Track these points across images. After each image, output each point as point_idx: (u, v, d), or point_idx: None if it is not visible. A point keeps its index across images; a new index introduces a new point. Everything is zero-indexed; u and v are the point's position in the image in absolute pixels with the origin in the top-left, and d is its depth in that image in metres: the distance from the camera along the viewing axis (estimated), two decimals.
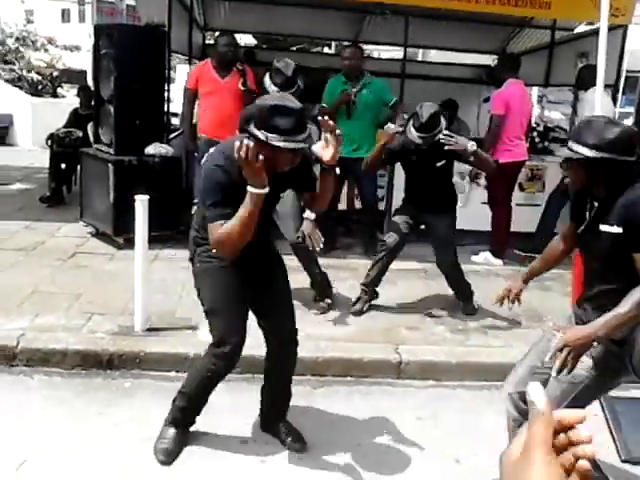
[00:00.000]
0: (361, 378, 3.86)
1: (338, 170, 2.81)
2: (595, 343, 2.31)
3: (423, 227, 4.69)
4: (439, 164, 4.48)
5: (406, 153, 4.47)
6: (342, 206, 6.33)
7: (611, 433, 0.57)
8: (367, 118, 5.72)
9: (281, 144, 2.47)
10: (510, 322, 4.61)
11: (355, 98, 5.69)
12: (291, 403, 3.50)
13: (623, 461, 0.55)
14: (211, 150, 2.75)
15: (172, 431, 3.02)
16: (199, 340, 3.89)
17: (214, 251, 2.67)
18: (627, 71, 7.11)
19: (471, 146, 4.30)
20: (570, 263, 4.40)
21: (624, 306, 2.24)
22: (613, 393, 0.57)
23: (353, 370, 3.89)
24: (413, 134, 4.28)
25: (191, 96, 5.84)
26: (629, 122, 12.17)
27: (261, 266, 2.94)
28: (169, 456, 2.94)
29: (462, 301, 4.76)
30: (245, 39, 13.86)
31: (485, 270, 5.75)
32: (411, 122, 4.33)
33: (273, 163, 2.54)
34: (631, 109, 14.25)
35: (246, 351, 3.85)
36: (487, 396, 3.77)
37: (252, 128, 2.49)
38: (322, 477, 2.92)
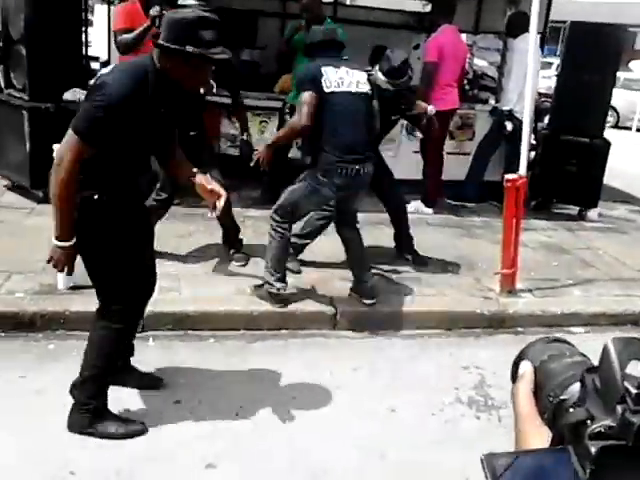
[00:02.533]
0: (296, 331, 3.82)
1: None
2: None
3: None
4: (394, 118, 4.37)
5: None
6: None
7: None
8: None
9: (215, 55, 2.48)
10: (442, 270, 4.66)
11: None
12: (223, 361, 3.44)
13: None
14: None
15: (103, 423, 2.73)
16: None
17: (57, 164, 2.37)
18: (550, 21, 7.16)
19: (430, 110, 4.37)
20: (500, 212, 4.47)
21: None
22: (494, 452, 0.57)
23: (288, 323, 3.84)
24: (380, 78, 4.10)
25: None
26: (550, 72, 12.41)
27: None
28: (128, 428, 2.76)
29: (409, 253, 4.75)
30: None
31: (416, 219, 5.75)
32: (377, 66, 4.16)
33: (191, 81, 2.56)
34: (552, 59, 14.57)
35: (178, 307, 3.77)
36: (421, 344, 3.83)
37: (184, 46, 2.41)
38: (257, 431, 2.88)
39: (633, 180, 8.37)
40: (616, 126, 15.31)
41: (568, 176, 6.32)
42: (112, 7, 6.59)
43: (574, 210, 6.58)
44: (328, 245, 4.84)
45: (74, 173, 2.36)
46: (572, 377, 0.69)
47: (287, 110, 5.64)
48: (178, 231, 4.82)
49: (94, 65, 7.04)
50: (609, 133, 7.18)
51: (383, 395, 3.25)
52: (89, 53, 6.20)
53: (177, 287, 3.94)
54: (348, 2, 13.11)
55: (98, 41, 8.26)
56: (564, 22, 6.93)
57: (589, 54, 6.16)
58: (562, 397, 0.68)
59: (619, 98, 14.25)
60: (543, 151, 6.61)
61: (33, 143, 5.20)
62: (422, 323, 3.98)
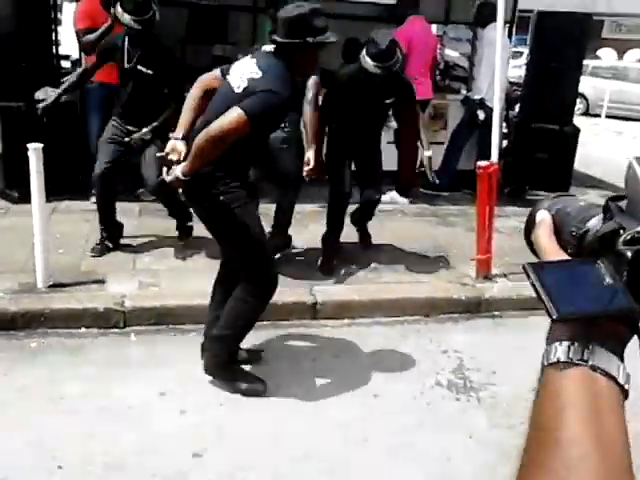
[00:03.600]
0: (277, 322, 3.86)
1: None
2: None
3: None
4: (388, 101, 4.25)
5: (353, 87, 4.15)
6: None
7: (540, 298, 0.60)
8: None
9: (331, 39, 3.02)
10: (419, 258, 4.73)
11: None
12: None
13: (554, 320, 0.57)
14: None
15: (230, 375, 3.12)
16: (108, 294, 3.75)
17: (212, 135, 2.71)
18: (519, 11, 7.26)
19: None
20: (474, 201, 4.55)
21: None
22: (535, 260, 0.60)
23: (269, 314, 3.86)
24: (369, 63, 3.97)
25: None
26: (520, 61, 12.55)
27: None
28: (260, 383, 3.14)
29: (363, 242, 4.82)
30: None
31: (392, 209, 5.84)
32: (364, 50, 4.05)
33: (308, 68, 3.19)
34: (521, 48, 14.74)
35: (158, 302, 3.79)
36: (401, 330, 3.89)
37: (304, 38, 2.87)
38: (242, 420, 2.92)
39: (603, 165, 8.53)
40: (586, 113, 15.56)
41: (540, 163, 6.44)
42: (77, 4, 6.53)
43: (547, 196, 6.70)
44: (306, 235, 4.89)
45: (227, 140, 2.71)
46: (591, 214, 0.71)
47: None
48: (155, 228, 4.83)
49: (65, 64, 6.97)
50: (579, 120, 7.33)
51: (365, 381, 3.31)
52: (59, 52, 6.13)
53: (157, 282, 3.97)
54: None
55: (68, 39, 8.17)
56: (532, 11, 7.03)
57: (556, 43, 6.27)
58: (585, 229, 0.70)
59: (588, 86, 14.51)
60: (515, 139, 6.73)
61: (6, 143, 5.18)
62: (401, 310, 4.05)
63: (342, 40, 6.50)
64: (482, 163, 4.34)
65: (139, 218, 5.09)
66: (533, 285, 0.65)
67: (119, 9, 4.04)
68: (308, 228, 5.00)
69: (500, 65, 4.55)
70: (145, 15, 4.02)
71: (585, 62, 7.73)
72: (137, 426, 2.82)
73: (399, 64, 4.08)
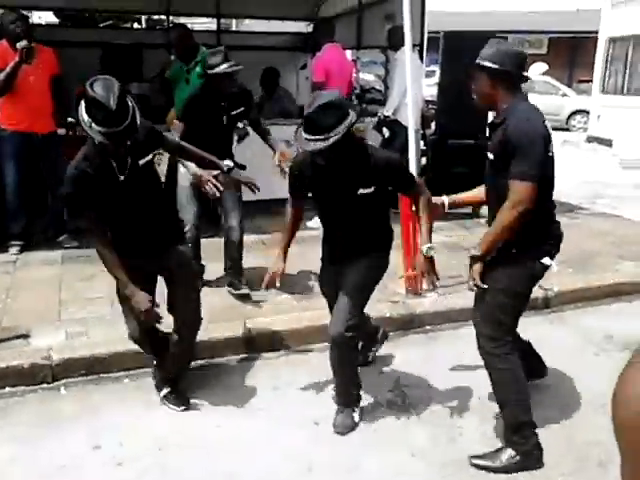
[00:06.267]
0: (212, 359, 3.81)
1: None
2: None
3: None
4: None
5: (309, 173, 3.11)
6: None
7: None
8: None
9: None
10: None
11: (189, 76, 5.64)
12: (140, 399, 3.39)
13: None
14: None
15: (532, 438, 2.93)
16: (33, 348, 3.62)
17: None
18: (428, 32, 7.54)
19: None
20: (397, 219, 4.63)
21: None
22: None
23: (204, 352, 3.82)
24: (302, 139, 2.84)
25: None
26: (434, 80, 13.04)
27: None
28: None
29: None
30: (46, 17, 12.84)
31: (318, 234, 5.85)
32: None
33: None
34: (435, 67, 15.24)
35: (88, 351, 3.68)
36: None
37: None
38: (184, 464, 2.85)
39: None
40: None
41: (458, 177, 6.62)
42: None
43: (468, 209, 6.90)
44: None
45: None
46: None
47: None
48: (80, 274, 4.71)
49: None
50: None
51: (305, 409, 3.30)
52: None
53: (85, 331, 3.86)
54: (234, 28, 13.23)
55: None
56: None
57: (464, 61, 6.48)
58: None
59: None
60: (433, 156, 6.93)
61: None
62: None
63: (261, 70, 6.61)
64: None
65: (62, 266, 4.95)
66: None
67: (85, 116, 2.72)
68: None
69: (412, 86, 4.70)
70: (119, 126, 2.69)
71: None
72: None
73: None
